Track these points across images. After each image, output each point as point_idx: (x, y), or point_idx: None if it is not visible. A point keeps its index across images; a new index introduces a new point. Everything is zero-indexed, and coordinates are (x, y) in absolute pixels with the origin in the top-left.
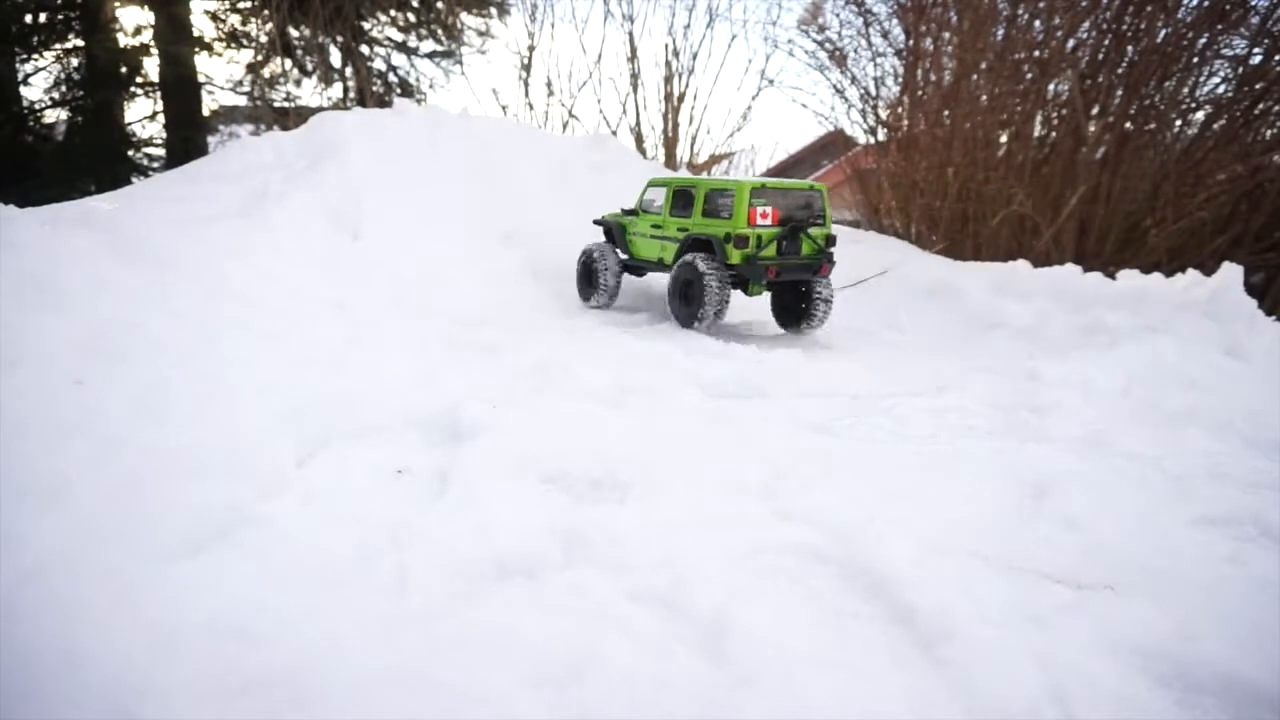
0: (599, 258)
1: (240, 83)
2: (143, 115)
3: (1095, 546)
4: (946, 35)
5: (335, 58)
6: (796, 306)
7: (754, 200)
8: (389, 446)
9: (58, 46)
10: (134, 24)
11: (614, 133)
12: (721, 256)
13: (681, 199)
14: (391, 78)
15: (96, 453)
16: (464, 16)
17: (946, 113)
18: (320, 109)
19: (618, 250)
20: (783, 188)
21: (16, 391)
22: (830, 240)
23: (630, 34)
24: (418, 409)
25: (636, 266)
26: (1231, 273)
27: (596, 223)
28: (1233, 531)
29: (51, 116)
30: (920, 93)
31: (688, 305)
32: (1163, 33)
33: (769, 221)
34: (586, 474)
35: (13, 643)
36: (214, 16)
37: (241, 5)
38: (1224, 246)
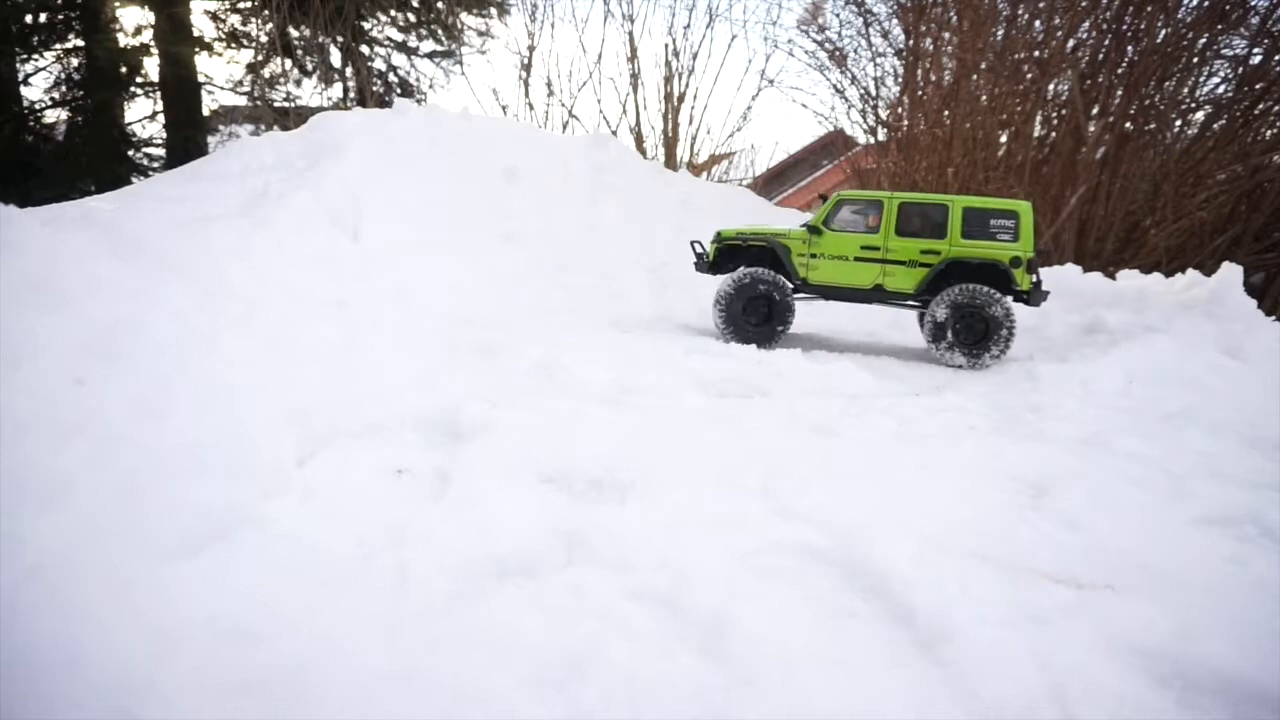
0: (775, 288)
1: (240, 83)
2: (143, 115)
3: (1095, 546)
4: (946, 35)
5: (335, 58)
6: (977, 331)
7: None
8: (389, 446)
9: (58, 46)
10: (134, 24)
11: (614, 133)
12: (1004, 283)
13: (915, 217)
14: (391, 78)
15: (96, 452)
16: (464, 16)
17: (946, 113)
18: (320, 109)
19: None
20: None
21: (16, 391)
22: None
23: (630, 34)
24: (418, 409)
25: (814, 294)
26: (1231, 273)
27: (729, 241)
28: (1233, 531)
29: (51, 116)
30: (920, 93)
31: (974, 340)
32: (1163, 33)
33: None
34: (586, 474)
35: (13, 642)
36: (214, 16)
37: (241, 5)
38: (1224, 246)
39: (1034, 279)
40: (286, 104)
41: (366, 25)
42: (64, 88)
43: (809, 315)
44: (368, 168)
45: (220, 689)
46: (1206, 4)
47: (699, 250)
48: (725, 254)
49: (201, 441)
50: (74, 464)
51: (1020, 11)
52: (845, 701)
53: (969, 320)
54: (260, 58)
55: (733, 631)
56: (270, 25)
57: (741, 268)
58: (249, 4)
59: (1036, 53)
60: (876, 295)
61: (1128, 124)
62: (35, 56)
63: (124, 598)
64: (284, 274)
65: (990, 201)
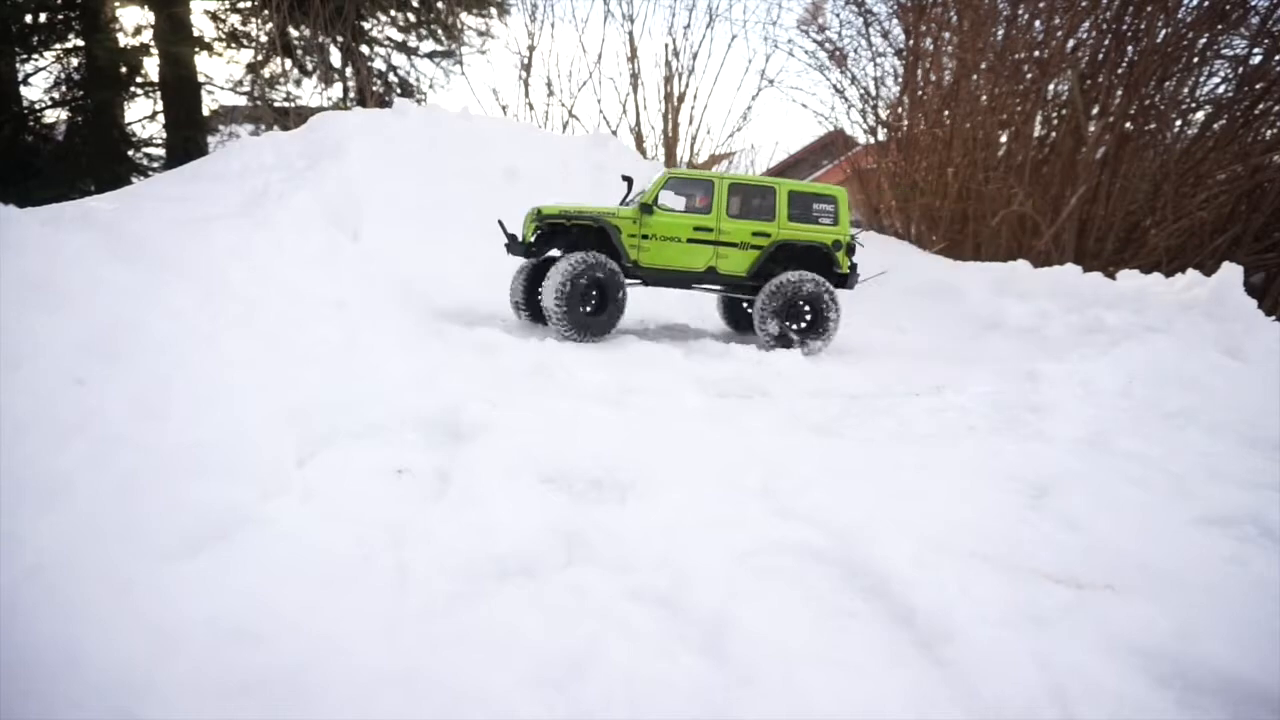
0: (609, 274)
1: (240, 83)
2: (143, 115)
3: (1095, 546)
4: (946, 35)
5: (335, 58)
6: (805, 317)
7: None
8: (389, 446)
9: (58, 46)
10: (134, 24)
11: (614, 133)
12: (826, 266)
13: (745, 199)
14: (391, 78)
15: (96, 452)
16: (464, 16)
17: (946, 113)
18: (320, 109)
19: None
20: None
21: (16, 391)
22: None
23: (630, 34)
24: (418, 409)
25: (643, 279)
26: (1231, 273)
27: (551, 219)
28: (1233, 531)
29: (51, 116)
30: (920, 93)
31: (811, 326)
32: (1163, 33)
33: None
34: (586, 474)
35: (13, 642)
36: (214, 16)
37: (241, 5)
38: (1224, 246)
39: (851, 262)
40: (286, 104)
41: (366, 25)
42: (64, 88)
43: None
44: (368, 168)
45: (220, 689)
46: (1206, 4)
47: (508, 231)
48: (544, 234)
49: (201, 441)
50: (74, 464)
51: (1020, 11)
52: (845, 701)
53: (799, 307)
54: (260, 58)
55: (733, 631)
56: (270, 25)
57: (557, 250)
58: (249, 4)
59: (1036, 53)
60: (709, 278)
61: (1128, 124)
62: (35, 56)
63: (124, 598)
64: (284, 274)
65: (812, 186)
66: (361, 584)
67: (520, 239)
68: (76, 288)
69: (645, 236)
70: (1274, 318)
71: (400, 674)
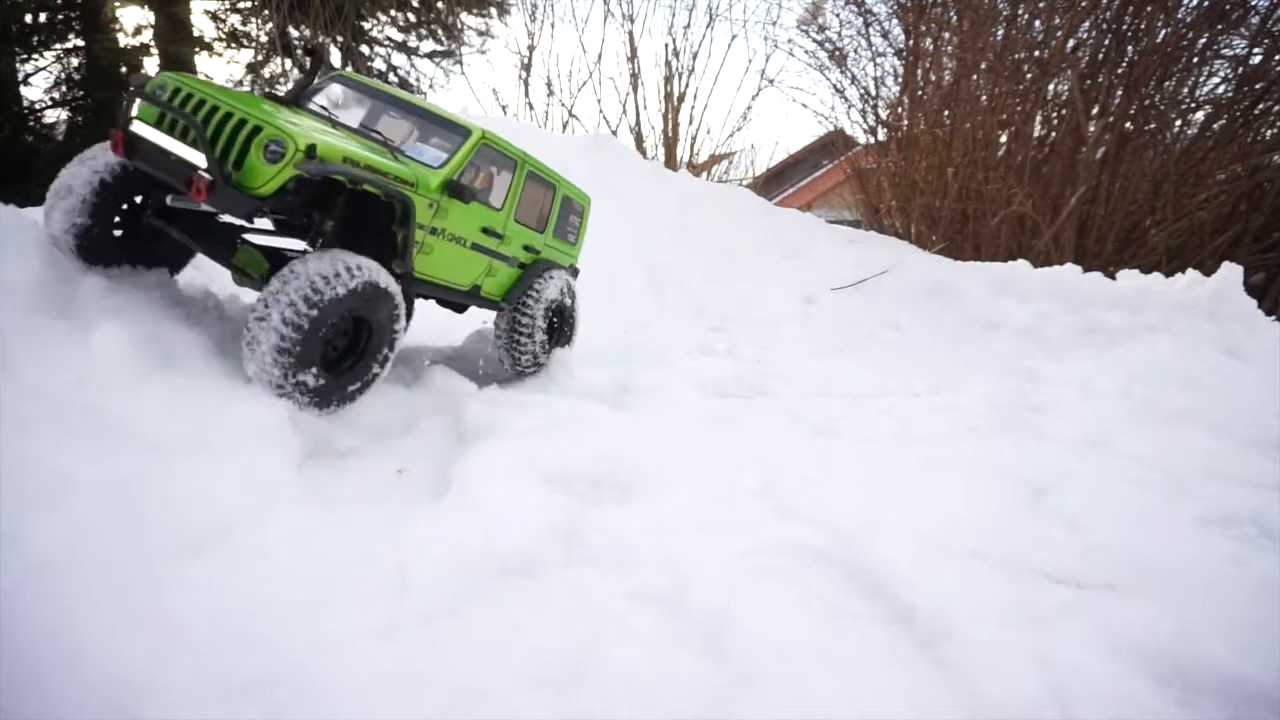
0: (391, 309)
1: (240, 83)
2: None
3: (1095, 546)
4: (946, 35)
5: (335, 58)
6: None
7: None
8: (389, 446)
9: (58, 46)
10: (134, 24)
11: (614, 133)
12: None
13: (531, 198)
14: (391, 78)
15: (97, 452)
16: (464, 16)
17: (946, 113)
18: None
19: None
20: None
21: (17, 391)
22: None
23: (630, 34)
24: (418, 409)
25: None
26: (1231, 273)
27: (332, 171)
28: (1233, 531)
29: (51, 116)
30: (920, 93)
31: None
32: (1163, 33)
33: None
34: (587, 474)
35: (14, 642)
36: (214, 16)
37: (241, 5)
38: (1224, 246)
39: None
40: None
41: (366, 25)
42: (64, 88)
43: (807, 314)
44: None
45: (220, 689)
46: (1206, 4)
47: (214, 167)
48: (299, 186)
49: (202, 441)
50: (75, 464)
51: (1020, 11)
52: (845, 701)
53: (553, 319)
54: (260, 58)
55: (733, 631)
56: (270, 25)
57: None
58: (249, 4)
59: (1036, 53)
60: (471, 298)
61: (1128, 124)
62: (35, 56)
63: (125, 597)
64: None
65: (575, 190)
66: (362, 584)
67: (230, 175)
68: (77, 287)
69: (434, 230)
70: (1274, 318)
71: (400, 674)
